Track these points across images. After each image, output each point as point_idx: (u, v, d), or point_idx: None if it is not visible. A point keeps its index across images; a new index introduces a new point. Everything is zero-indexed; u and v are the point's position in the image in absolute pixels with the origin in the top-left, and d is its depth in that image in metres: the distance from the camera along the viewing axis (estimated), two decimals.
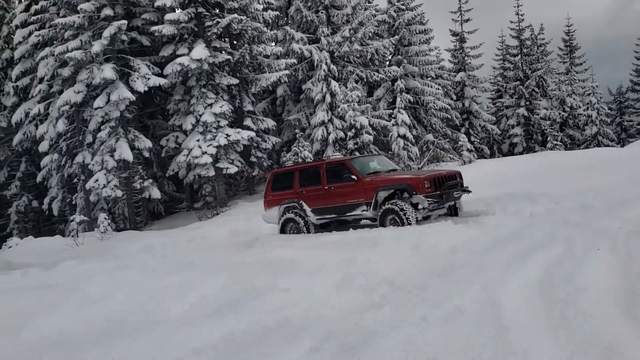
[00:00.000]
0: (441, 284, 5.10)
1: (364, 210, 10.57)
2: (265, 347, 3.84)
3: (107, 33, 21.97)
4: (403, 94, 26.09)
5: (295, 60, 26.20)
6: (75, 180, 25.52)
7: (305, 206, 11.47)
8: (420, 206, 9.73)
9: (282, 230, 11.81)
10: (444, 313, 4.28)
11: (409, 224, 9.59)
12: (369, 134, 24.21)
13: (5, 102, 29.17)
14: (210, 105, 22.91)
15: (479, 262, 5.84)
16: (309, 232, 11.27)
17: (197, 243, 13.47)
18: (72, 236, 19.11)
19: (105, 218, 18.62)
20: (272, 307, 4.83)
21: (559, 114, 37.69)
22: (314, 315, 4.49)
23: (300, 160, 23.88)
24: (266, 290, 5.42)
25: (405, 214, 9.65)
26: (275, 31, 26.91)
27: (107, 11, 22.66)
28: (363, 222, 11.70)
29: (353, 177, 10.66)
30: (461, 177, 11.06)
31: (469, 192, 10.88)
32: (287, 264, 6.60)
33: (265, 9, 26.06)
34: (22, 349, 4.43)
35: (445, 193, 10.05)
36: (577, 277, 5.07)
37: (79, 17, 22.74)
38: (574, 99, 38.50)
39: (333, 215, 11.21)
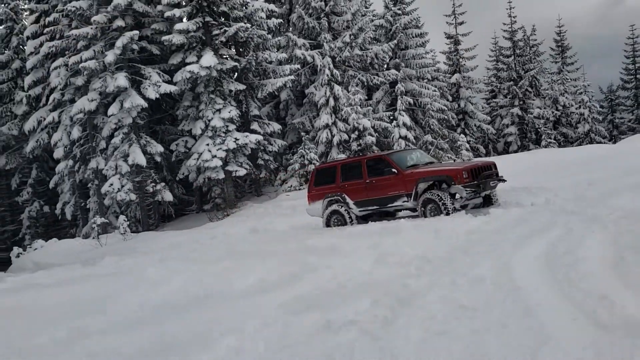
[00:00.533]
0: (463, 258, 6.11)
1: (405, 201, 11.17)
2: (332, 302, 4.81)
3: (119, 43, 22.91)
4: (404, 96, 27.11)
5: (299, 66, 27.21)
6: (88, 185, 26.38)
7: (348, 199, 12.09)
8: (458, 196, 10.34)
9: (327, 223, 12.39)
10: (468, 278, 5.28)
11: (447, 212, 10.18)
12: (372, 136, 25.26)
13: (17, 110, 30.02)
14: (219, 110, 23.86)
15: (492, 241, 6.86)
16: (352, 223, 11.91)
17: (220, 240, 14.36)
18: (93, 237, 20.00)
19: (124, 220, 19.51)
20: (326, 278, 5.79)
21: (552, 112, 38.89)
22: (363, 281, 5.48)
23: (306, 162, 24.91)
24: (316, 267, 6.40)
25: (444, 203, 10.22)
26: (278, 38, 27.91)
27: (119, 22, 23.59)
28: (403, 212, 12.33)
29: (393, 170, 11.26)
30: (496, 167, 11.52)
31: (504, 181, 11.36)
32: (326, 249, 7.58)
33: (268, 17, 27.06)
34: (131, 314, 5.38)
35: (482, 183, 10.57)
36: (576, 250, 6.08)
37: (91, 28, 23.67)
38: (566, 97, 39.71)
39: (375, 207, 11.77)
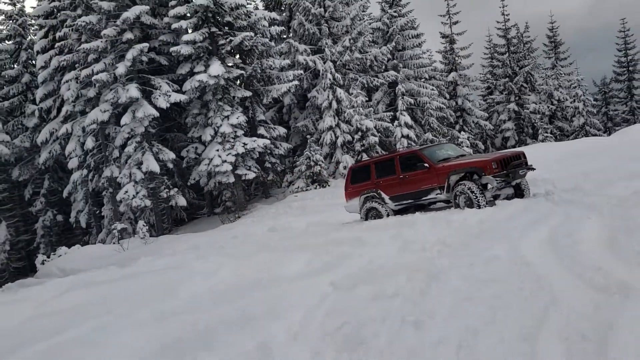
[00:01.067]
0: (477, 243, 7.01)
1: (438, 194, 11.65)
2: (375, 280, 5.69)
3: (129, 55, 23.80)
4: (405, 97, 28.02)
5: (301, 71, 28.12)
6: (102, 193, 27.24)
7: (383, 195, 12.71)
8: (489, 186, 10.86)
9: (365, 218, 13.01)
10: (484, 258, 6.18)
11: (478, 203, 10.67)
12: (375, 136, 26.18)
13: (28, 123, 30.88)
14: (227, 117, 24.75)
15: (501, 228, 7.78)
16: (388, 217, 12.47)
17: (242, 239, 15.21)
18: (114, 242, 20.86)
19: (143, 225, 20.37)
20: (363, 262, 6.68)
21: (548, 107, 39.86)
22: (396, 263, 6.37)
23: (312, 163, 25.79)
24: (350, 255, 7.29)
25: (474, 194, 10.72)
26: (281, 45, 28.83)
27: (128, 35, 24.48)
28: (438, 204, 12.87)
29: (425, 165, 11.75)
30: (525, 157, 11.87)
31: (533, 169, 11.72)
32: (353, 241, 8.47)
33: (270, 25, 27.97)
34: (200, 296, 6.27)
35: (511, 172, 10.94)
36: (575, 234, 6.98)
37: (101, 41, 24.57)
38: (560, 92, 40.69)
39: (410, 201, 12.33)
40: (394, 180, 12.51)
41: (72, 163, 26.75)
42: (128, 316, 5.50)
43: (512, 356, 3.52)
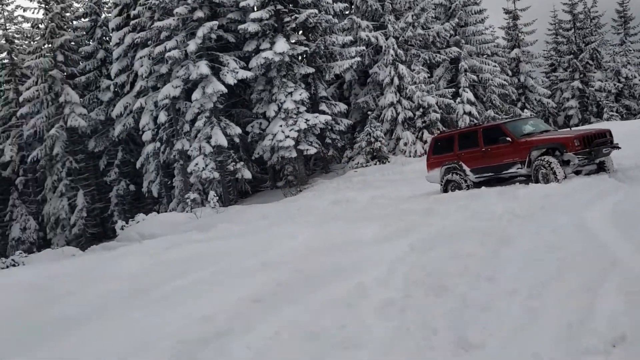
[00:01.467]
0: (543, 214, 7.55)
1: (519, 168, 11.75)
2: (449, 243, 6.34)
3: (200, 33, 24.88)
4: (467, 74, 28.03)
5: (363, 47, 28.54)
6: (173, 165, 28.77)
7: (464, 166, 12.84)
8: (570, 162, 10.92)
9: (445, 189, 13.20)
10: (551, 227, 6.72)
11: (557, 179, 10.78)
12: (436, 112, 26.44)
13: (102, 97, 32.72)
14: (290, 93, 25.57)
15: (565, 202, 8.26)
16: (467, 189, 12.65)
17: (306, 211, 16.10)
18: (187, 211, 22.25)
19: (214, 195, 21.60)
20: (435, 230, 7.35)
21: (614, 85, 38.73)
22: (467, 229, 7.00)
23: (372, 139, 26.36)
24: (421, 223, 7.96)
25: (554, 170, 10.83)
26: (344, 22, 29.27)
27: (199, 13, 25.55)
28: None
29: (508, 139, 11.86)
30: (611, 135, 11.77)
31: (618, 148, 11.57)
32: (422, 211, 9.14)
33: (334, 1, 28.44)
34: (292, 252, 7.14)
35: (594, 150, 10.91)
36: (636, 209, 7.41)
37: (174, 19, 25.75)
38: (629, 69, 39.40)
39: (490, 174, 12.47)
40: (476, 152, 12.65)
41: (146, 136, 28.30)
42: (239, 264, 6.40)
43: (576, 301, 4.14)
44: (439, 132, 26.31)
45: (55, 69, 32.27)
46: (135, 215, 25.63)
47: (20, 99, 33.78)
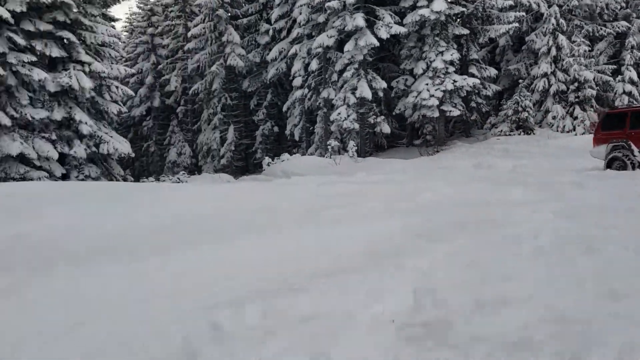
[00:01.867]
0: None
1: None
2: (592, 214, 6.50)
3: None
4: (634, 51, 26.11)
5: (523, 13, 27.50)
6: (316, 112, 30.18)
7: (633, 147, 12.30)
8: None
9: (608, 166, 12.72)
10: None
11: None
12: (592, 89, 25.08)
13: (260, 40, 34.77)
14: (441, 52, 25.53)
15: None
16: (633, 169, 12.11)
17: (447, 170, 16.52)
18: (326, 157, 23.58)
19: (354, 145, 22.62)
20: (580, 202, 7.47)
21: None
22: (614, 205, 7.12)
23: (520, 109, 25.69)
24: (567, 195, 8.15)
25: None
26: None
27: None
28: None
29: None
30: None
31: None
32: (570, 184, 9.32)
33: None
34: (441, 199, 7.87)
35: None
36: None
37: None
38: None
39: None
40: None
41: (296, 82, 29.83)
42: (392, 205, 7.20)
43: None
44: (594, 109, 25.01)
45: (221, 9, 34.68)
46: (278, 154, 27.63)
47: (188, 34, 36.86)
